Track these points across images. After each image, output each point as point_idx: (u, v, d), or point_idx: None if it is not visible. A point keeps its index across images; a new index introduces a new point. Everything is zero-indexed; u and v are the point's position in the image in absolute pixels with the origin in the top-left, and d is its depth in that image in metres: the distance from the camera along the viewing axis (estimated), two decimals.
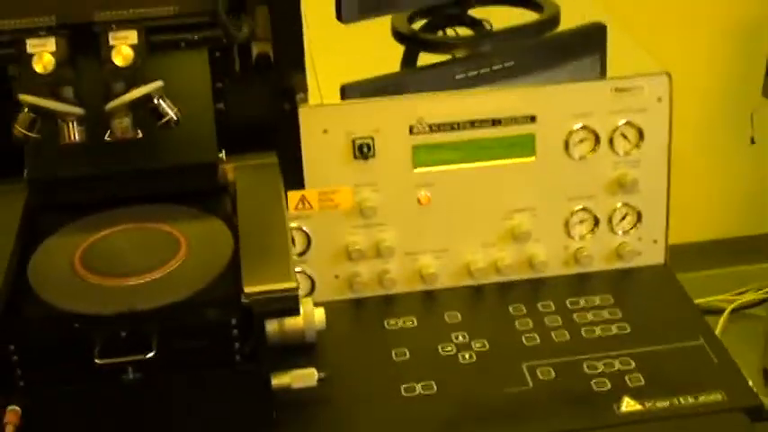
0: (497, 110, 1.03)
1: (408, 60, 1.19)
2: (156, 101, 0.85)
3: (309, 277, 1.06)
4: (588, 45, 1.22)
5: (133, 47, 0.80)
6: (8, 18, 0.78)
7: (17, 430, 0.83)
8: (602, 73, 1.16)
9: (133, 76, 0.83)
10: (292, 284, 0.85)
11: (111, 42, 0.80)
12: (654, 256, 1.10)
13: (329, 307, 1.03)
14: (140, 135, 0.86)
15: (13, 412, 0.83)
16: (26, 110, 0.83)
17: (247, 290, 0.85)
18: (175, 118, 0.86)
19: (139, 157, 0.95)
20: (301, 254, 1.05)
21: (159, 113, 0.85)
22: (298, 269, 1.05)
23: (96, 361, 0.82)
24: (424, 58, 1.20)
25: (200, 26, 0.82)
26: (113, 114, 0.83)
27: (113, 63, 0.80)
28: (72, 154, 0.93)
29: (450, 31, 1.22)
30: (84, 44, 0.81)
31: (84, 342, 0.83)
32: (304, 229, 1.04)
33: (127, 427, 0.87)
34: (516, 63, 1.18)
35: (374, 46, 1.21)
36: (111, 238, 0.95)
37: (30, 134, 0.84)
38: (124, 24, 0.80)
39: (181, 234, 0.94)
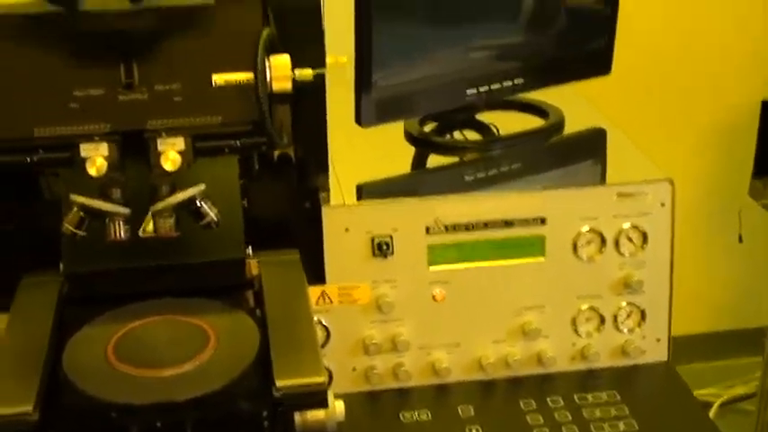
0: (510, 212, 1.08)
1: (419, 161, 1.25)
2: (198, 203, 0.89)
3: (328, 369, 1.09)
4: (589, 149, 1.29)
5: (180, 152, 0.85)
6: (66, 125, 0.83)
7: None
8: (603, 175, 1.23)
9: (176, 178, 0.87)
10: (322, 379, 0.89)
11: (160, 148, 0.85)
12: (657, 353, 1.14)
13: (346, 399, 1.06)
14: (175, 235, 0.90)
15: None
16: (75, 209, 0.87)
17: (279, 383, 0.88)
18: (216, 219, 0.90)
19: (171, 252, 0.99)
20: (321, 346, 1.08)
21: (201, 214, 0.90)
22: None
23: None
24: (434, 159, 1.26)
25: (242, 133, 0.87)
26: (158, 214, 0.88)
27: (162, 168, 0.84)
28: (107, 249, 0.97)
29: (458, 134, 1.28)
30: (132, 147, 0.86)
31: None
32: (323, 322, 1.08)
33: None
34: (522, 165, 1.24)
35: (386, 146, 1.26)
36: (143, 330, 0.98)
37: (78, 232, 0.88)
38: (173, 131, 0.85)
39: (209, 327, 0.98)
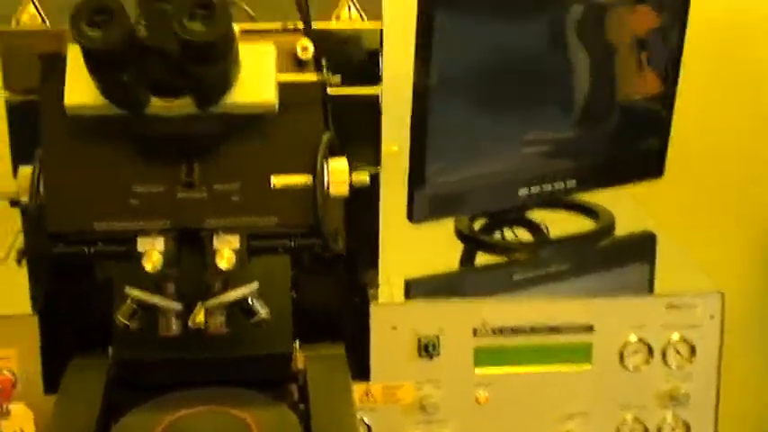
0: (557, 318, 1.08)
1: (467, 259, 1.25)
2: (250, 301, 0.90)
3: None
4: (639, 254, 1.29)
5: (235, 251, 0.86)
6: (125, 220, 0.84)
7: None
8: (652, 283, 1.22)
9: (230, 276, 0.88)
10: None
11: (216, 246, 0.86)
12: None
13: None
14: (224, 332, 0.91)
15: None
16: (129, 301, 0.88)
17: None
18: (266, 318, 0.91)
19: (220, 345, 1.00)
20: None
21: (252, 312, 0.90)
22: None
23: None
24: (483, 257, 1.26)
25: (297, 234, 0.88)
26: (209, 311, 0.89)
27: (216, 266, 0.85)
28: (157, 340, 0.99)
29: (508, 232, 1.29)
30: (188, 242, 0.87)
31: None
32: (366, 420, 1.08)
33: None
34: (571, 267, 1.24)
35: (435, 240, 1.27)
36: (187, 420, 0.99)
37: (130, 324, 0.89)
38: (229, 230, 0.86)
39: (252, 419, 0.98)
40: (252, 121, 0.84)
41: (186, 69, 0.72)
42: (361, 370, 1.07)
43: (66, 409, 0.98)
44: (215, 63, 0.72)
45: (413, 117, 1.11)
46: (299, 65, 0.88)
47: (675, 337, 1.10)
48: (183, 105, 0.77)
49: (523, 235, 1.29)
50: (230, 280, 0.91)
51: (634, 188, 1.33)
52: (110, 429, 0.96)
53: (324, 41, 0.93)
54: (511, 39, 1.17)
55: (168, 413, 0.99)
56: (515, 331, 1.08)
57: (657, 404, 1.11)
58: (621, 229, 1.30)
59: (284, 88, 0.85)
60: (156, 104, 0.77)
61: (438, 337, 1.07)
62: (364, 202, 1.05)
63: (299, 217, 0.86)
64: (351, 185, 0.89)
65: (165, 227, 0.85)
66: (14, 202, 0.83)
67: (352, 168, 0.90)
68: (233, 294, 0.88)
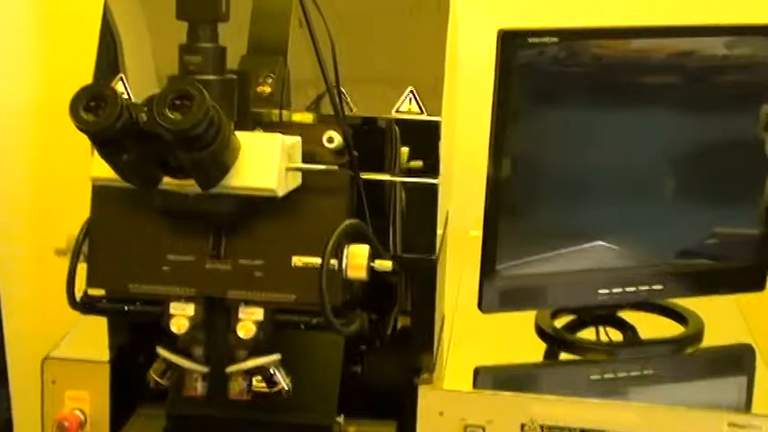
0: (608, 422, 1.06)
1: (548, 355, 1.24)
2: (271, 371, 0.95)
3: None
4: (734, 368, 1.24)
5: (257, 323, 0.91)
6: (157, 284, 0.92)
7: None
8: (749, 401, 1.17)
9: (256, 345, 0.93)
10: None
11: (241, 316, 0.92)
12: None
13: None
14: (246, 398, 0.96)
15: None
16: (160, 360, 0.95)
17: None
18: (286, 388, 0.96)
19: (267, 410, 1.05)
20: None
21: (273, 382, 0.95)
22: None
23: None
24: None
25: (319, 312, 0.92)
26: (231, 377, 0.94)
27: (236, 334, 0.91)
28: (208, 398, 1.05)
29: (590, 332, 1.26)
30: (220, 313, 0.93)
31: None
32: None
33: None
34: (656, 373, 1.20)
35: (515, 334, 1.26)
36: None
37: (161, 381, 0.96)
38: (253, 303, 0.91)
39: None
40: (275, 203, 0.89)
41: (179, 155, 0.79)
42: None
43: None
44: (201, 149, 0.78)
45: (486, 207, 1.12)
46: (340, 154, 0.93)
47: None
48: (192, 184, 0.84)
49: (615, 335, 1.26)
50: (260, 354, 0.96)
51: (739, 298, 1.28)
52: None
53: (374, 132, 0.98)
54: (594, 129, 1.17)
55: None
56: (564, 431, 1.07)
57: None
58: (719, 339, 1.26)
59: (311, 174, 0.90)
60: (169, 182, 0.84)
61: (484, 428, 1.07)
62: (423, 287, 1.09)
63: (316, 296, 0.90)
64: (373, 271, 0.93)
65: (192, 294, 0.91)
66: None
67: (377, 256, 0.94)
68: (251, 362, 0.93)
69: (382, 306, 1.12)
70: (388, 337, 1.13)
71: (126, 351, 1.11)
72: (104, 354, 1.12)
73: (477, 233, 1.15)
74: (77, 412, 1.10)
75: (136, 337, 1.10)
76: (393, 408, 1.10)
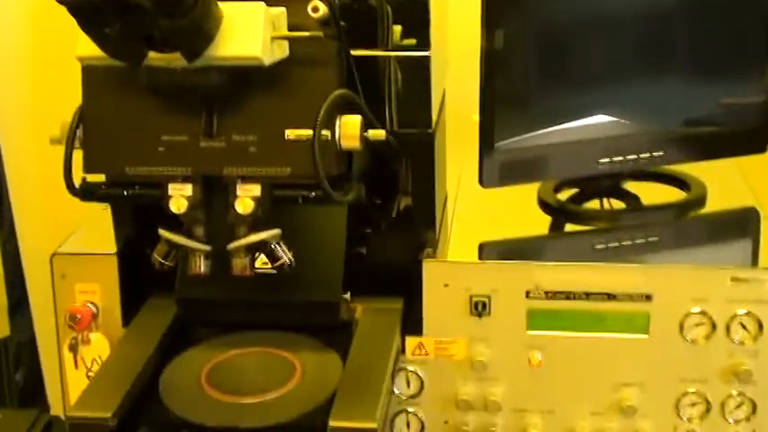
0: (614, 285, 1.07)
1: (553, 228, 1.25)
2: (272, 246, 0.96)
3: (420, 420, 1.12)
4: (739, 229, 1.24)
5: (255, 199, 0.92)
6: (153, 166, 0.92)
7: None
8: (754, 261, 1.17)
9: (256, 222, 0.94)
10: (374, 425, 0.93)
11: (239, 193, 0.93)
12: None
13: None
14: (249, 274, 0.97)
15: None
16: (163, 241, 0.96)
17: (332, 423, 0.94)
18: (288, 262, 0.97)
19: (273, 290, 1.07)
20: (414, 396, 1.12)
21: (275, 257, 0.96)
22: (411, 410, 1.12)
23: None
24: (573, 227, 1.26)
25: (316, 185, 0.93)
26: (233, 254, 0.95)
27: (235, 210, 0.92)
28: (217, 280, 1.06)
29: (596, 203, 1.27)
30: (218, 191, 0.94)
31: None
32: (419, 373, 1.11)
33: None
34: (661, 240, 1.21)
35: (517, 208, 1.27)
36: (237, 359, 1.06)
37: (165, 262, 0.97)
38: (250, 179, 0.92)
39: (298, 362, 1.05)
40: (265, 76, 0.89)
41: (161, 23, 0.79)
42: (415, 324, 1.10)
43: (127, 343, 1.08)
44: (183, 16, 0.78)
45: (481, 81, 1.12)
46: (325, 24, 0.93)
47: (741, 312, 1.06)
48: (178, 58, 0.84)
49: (618, 206, 1.27)
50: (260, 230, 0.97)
51: (741, 162, 1.28)
52: (163, 364, 1.05)
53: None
54: None
55: (222, 352, 1.07)
56: (569, 296, 1.08)
57: (721, 380, 1.08)
58: (722, 204, 1.26)
59: (299, 45, 0.90)
60: (154, 57, 0.84)
61: (489, 297, 1.09)
62: (420, 162, 1.09)
63: (311, 168, 0.91)
64: (367, 140, 0.93)
65: (188, 173, 0.92)
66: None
67: (370, 126, 0.94)
68: (253, 237, 0.94)
69: (385, 191, 1.13)
70: (392, 220, 1.14)
71: (132, 243, 1.12)
72: (112, 247, 1.13)
73: (478, 117, 1.15)
74: (89, 305, 1.12)
75: (141, 228, 1.11)
76: (399, 286, 1.11)
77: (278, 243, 0.96)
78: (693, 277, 1.06)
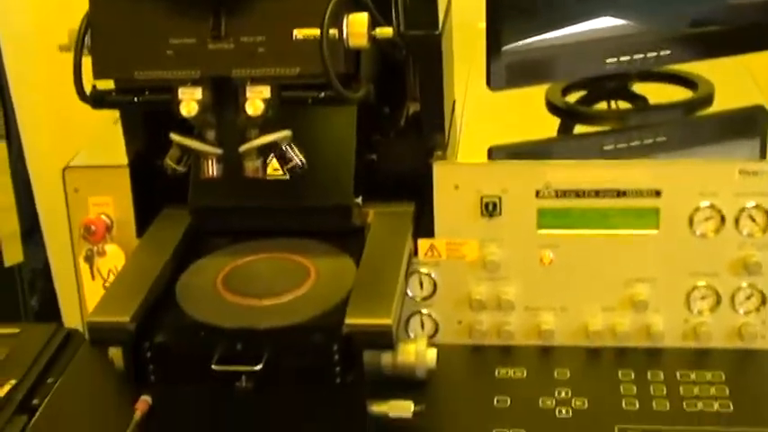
0: (623, 182, 1.08)
1: (564, 131, 1.26)
2: (283, 147, 0.96)
3: (434, 320, 1.14)
4: (747, 127, 1.24)
5: (265, 100, 0.93)
6: (162, 69, 0.93)
7: (144, 416, 0.97)
8: (762, 156, 1.18)
9: (266, 124, 0.95)
10: (388, 321, 0.95)
11: (248, 95, 0.93)
12: None
13: (449, 350, 1.12)
14: (261, 176, 0.98)
15: (144, 401, 0.97)
16: (175, 146, 0.97)
17: (348, 321, 0.95)
18: (300, 164, 0.97)
19: (286, 195, 1.08)
20: (427, 298, 1.13)
21: (286, 159, 0.97)
22: (425, 311, 1.14)
23: (213, 367, 0.95)
24: (581, 130, 1.26)
25: (326, 86, 0.93)
26: (245, 156, 0.96)
27: (245, 112, 0.93)
28: (229, 188, 1.07)
29: (604, 105, 1.27)
30: (228, 94, 0.95)
31: (206, 349, 0.96)
32: (432, 275, 1.13)
33: (236, 430, 0.99)
34: (669, 139, 1.21)
35: (526, 111, 1.27)
36: (252, 264, 1.08)
37: (177, 167, 0.98)
38: (259, 80, 0.93)
39: (313, 267, 1.06)
40: None
41: None
42: (426, 227, 1.12)
43: (143, 252, 1.09)
44: None
45: None
46: None
47: (750, 204, 1.07)
48: None
49: (626, 107, 1.27)
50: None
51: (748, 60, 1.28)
52: (179, 272, 1.06)
53: None
54: None
55: (238, 258, 1.08)
56: (579, 194, 1.09)
57: (731, 272, 1.09)
58: (730, 102, 1.26)
59: None
60: None
61: (500, 198, 1.09)
62: (427, 65, 1.09)
63: (320, 66, 0.91)
64: (375, 40, 0.94)
65: (197, 76, 0.93)
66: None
67: (377, 25, 0.94)
68: (263, 139, 0.95)
69: (394, 99, 1.14)
70: (401, 127, 1.14)
71: (144, 154, 1.13)
72: (123, 160, 1.14)
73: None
74: (103, 217, 1.13)
75: (152, 139, 1.11)
76: (410, 190, 1.12)
77: (289, 145, 0.97)
78: (702, 172, 1.07)
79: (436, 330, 1.14)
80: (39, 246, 1.79)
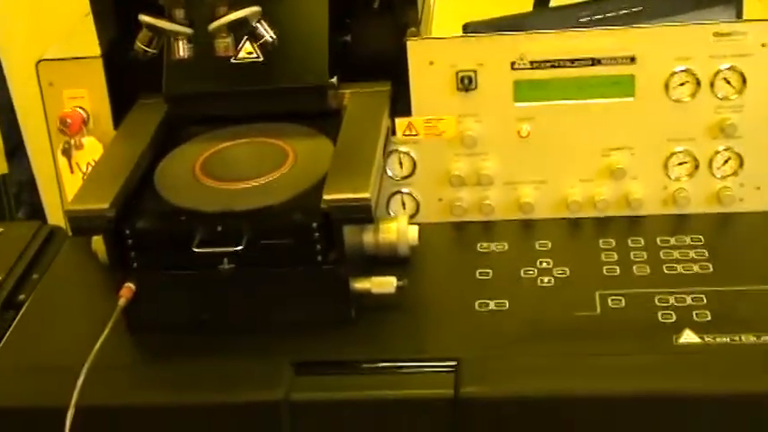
0: (597, 50, 1.07)
1: (540, 5, 1.25)
2: (253, 24, 0.96)
3: (415, 199, 1.14)
4: None
5: None
6: None
7: (128, 303, 0.97)
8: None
9: (235, 1, 0.94)
10: (366, 195, 0.95)
11: None
12: (757, 203, 1.11)
13: (431, 228, 1.12)
14: (232, 54, 0.97)
15: (128, 288, 0.98)
16: (145, 29, 0.96)
17: (326, 197, 0.95)
18: (270, 40, 0.97)
19: (260, 78, 1.07)
20: (407, 177, 1.14)
21: (257, 36, 0.96)
22: (405, 190, 1.14)
23: (194, 249, 0.96)
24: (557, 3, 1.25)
25: None
26: (215, 34, 0.95)
27: None
28: (203, 74, 1.07)
29: None
30: None
31: (187, 233, 0.96)
32: (411, 154, 1.13)
33: (219, 313, 1.00)
34: (644, 9, 1.20)
35: None
36: (230, 149, 1.08)
37: (148, 49, 0.97)
38: None
39: (291, 149, 1.06)
40: None
41: None
42: (403, 106, 1.11)
43: (119, 142, 1.09)
44: None
45: None
46: None
47: (725, 66, 1.07)
48: None
49: None
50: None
51: None
52: (158, 160, 1.06)
53: None
54: None
55: (215, 144, 1.08)
56: (554, 64, 1.08)
57: (707, 136, 1.09)
58: None
59: None
60: None
61: (475, 71, 1.09)
62: None
63: None
64: None
65: None
66: None
67: None
68: (233, 15, 0.94)
69: None
70: (374, 8, 1.13)
71: (117, 45, 1.12)
72: (97, 51, 1.13)
73: None
74: (78, 110, 1.13)
75: (124, 29, 1.10)
76: (385, 69, 1.12)
77: (259, 21, 0.96)
78: (676, 35, 1.07)
79: (417, 209, 1.15)
80: (23, 160, 1.79)
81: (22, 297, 1.10)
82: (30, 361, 1.00)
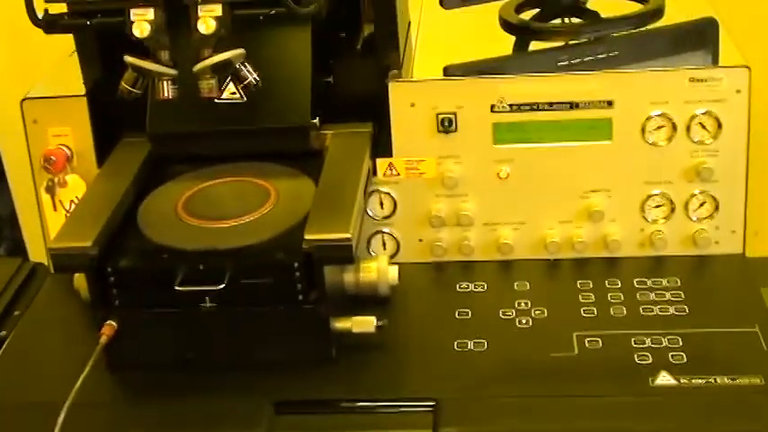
0: (575, 94, 1.09)
1: (519, 49, 1.26)
2: (237, 66, 0.97)
3: (396, 239, 1.16)
4: (698, 39, 1.25)
5: (217, 18, 0.93)
6: None
7: (110, 341, 0.98)
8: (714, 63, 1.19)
9: (220, 44, 0.95)
10: (347, 235, 0.96)
11: (200, 14, 0.94)
12: (731, 245, 1.12)
13: (411, 268, 1.13)
14: (216, 95, 0.98)
15: (110, 326, 0.98)
16: (130, 69, 0.97)
17: (307, 236, 0.96)
18: (254, 82, 0.98)
19: (243, 119, 1.08)
20: (387, 217, 1.15)
21: (241, 77, 0.98)
22: (386, 230, 1.15)
23: (176, 288, 0.96)
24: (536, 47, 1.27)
25: (276, 2, 0.94)
26: (200, 75, 0.97)
27: (198, 31, 0.93)
28: (187, 114, 1.08)
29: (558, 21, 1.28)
30: (180, 15, 0.95)
31: (169, 271, 0.97)
32: (392, 194, 1.14)
33: (201, 350, 1.00)
34: (621, 53, 1.22)
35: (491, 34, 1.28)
36: (213, 188, 1.09)
37: (133, 90, 0.98)
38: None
39: (273, 189, 1.07)
40: None
41: None
42: (385, 147, 1.13)
43: (103, 179, 1.10)
44: None
45: None
46: None
47: (701, 111, 1.09)
48: None
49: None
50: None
51: None
52: (140, 199, 1.07)
53: None
54: None
55: (198, 183, 1.09)
56: (533, 107, 1.10)
57: (684, 179, 1.11)
58: (681, 15, 1.27)
59: None
60: None
61: (455, 114, 1.11)
62: None
63: None
64: None
65: None
66: None
67: None
68: (216, 57, 0.96)
69: (350, 23, 1.15)
70: (357, 50, 1.15)
71: (101, 84, 1.13)
72: (81, 90, 1.14)
73: None
74: (63, 147, 1.13)
75: (109, 68, 1.11)
76: (367, 111, 1.13)
77: (243, 63, 0.98)
78: (652, 80, 1.09)
79: (398, 249, 1.16)
80: (4, 193, 1.79)
81: (3, 333, 1.11)
82: (10, 397, 1.00)
